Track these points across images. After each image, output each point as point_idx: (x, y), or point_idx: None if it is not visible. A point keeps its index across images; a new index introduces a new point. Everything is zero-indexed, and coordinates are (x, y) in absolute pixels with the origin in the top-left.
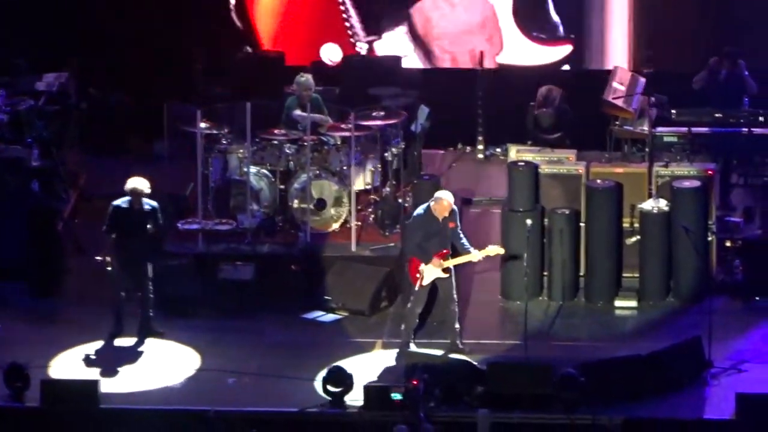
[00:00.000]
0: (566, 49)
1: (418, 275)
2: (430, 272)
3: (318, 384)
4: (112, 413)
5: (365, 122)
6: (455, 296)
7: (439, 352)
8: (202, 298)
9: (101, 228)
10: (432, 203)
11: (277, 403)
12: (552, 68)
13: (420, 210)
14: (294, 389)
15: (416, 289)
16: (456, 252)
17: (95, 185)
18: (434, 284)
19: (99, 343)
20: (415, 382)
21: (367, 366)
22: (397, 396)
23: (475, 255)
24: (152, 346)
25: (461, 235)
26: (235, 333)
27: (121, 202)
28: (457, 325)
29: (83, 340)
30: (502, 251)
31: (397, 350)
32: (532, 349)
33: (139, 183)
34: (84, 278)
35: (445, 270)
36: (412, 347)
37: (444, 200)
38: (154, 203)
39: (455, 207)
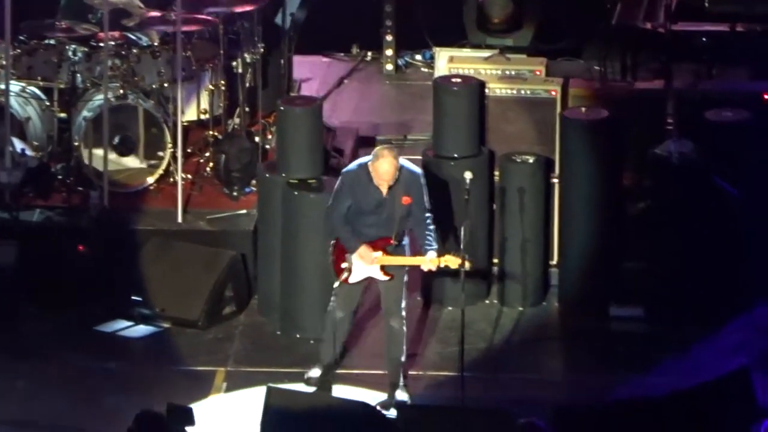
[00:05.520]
0: None
1: (343, 266)
2: (360, 266)
3: None
4: None
5: (200, 12)
6: (402, 309)
7: (371, 397)
8: None
9: None
10: (369, 161)
11: None
12: None
13: (353, 166)
14: None
15: (336, 285)
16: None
17: None
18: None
19: None
20: None
21: (208, 410)
22: None
23: (427, 261)
24: None
25: (427, 219)
26: None
27: None
28: (402, 356)
29: None
30: (466, 267)
31: (313, 372)
32: (473, 382)
33: None
34: None
35: (384, 269)
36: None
37: (384, 160)
38: None
39: (417, 170)
